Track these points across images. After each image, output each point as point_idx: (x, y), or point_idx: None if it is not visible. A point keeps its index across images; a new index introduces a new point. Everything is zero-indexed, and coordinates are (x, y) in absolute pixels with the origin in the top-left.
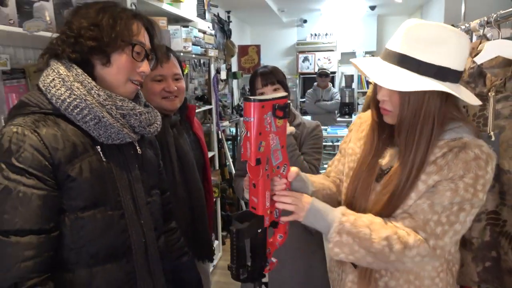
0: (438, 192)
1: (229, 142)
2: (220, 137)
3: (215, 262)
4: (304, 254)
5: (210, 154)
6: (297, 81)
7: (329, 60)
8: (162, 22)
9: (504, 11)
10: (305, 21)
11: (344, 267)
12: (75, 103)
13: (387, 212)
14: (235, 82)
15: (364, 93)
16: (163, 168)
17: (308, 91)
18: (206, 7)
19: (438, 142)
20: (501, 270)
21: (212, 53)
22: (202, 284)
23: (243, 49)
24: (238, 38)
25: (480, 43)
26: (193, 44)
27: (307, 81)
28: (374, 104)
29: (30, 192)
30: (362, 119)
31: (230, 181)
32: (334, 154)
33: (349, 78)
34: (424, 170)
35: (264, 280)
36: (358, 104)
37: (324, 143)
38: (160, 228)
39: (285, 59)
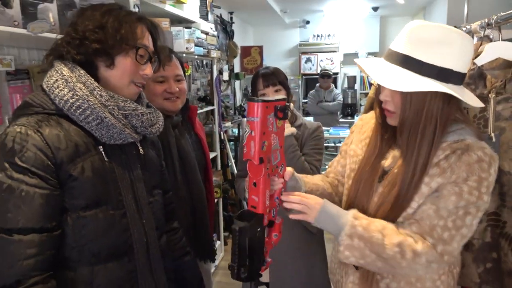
0: (443, 197)
1: (231, 142)
2: (222, 137)
3: (216, 263)
4: (305, 254)
5: (212, 155)
6: (300, 82)
7: (331, 61)
8: (164, 23)
9: (504, 13)
10: (307, 22)
11: (346, 268)
12: (78, 103)
13: (392, 215)
14: (237, 83)
15: (366, 94)
16: (165, 168)
17: (310, 92)
18: (208, 8)
19: (441, 144)
20: (502, 272)
21: (215, 54)
22: (204, 283)
23: (246, 50)
24: (240, 39)
25: (481, 45)
26: (196, 45)
27: (310, 82)
28: (378, 104)
29: (33, 191)
30: (364, 121)
31: (232, 181)
32: (336, 155)
33: (352, 79)
34: (427, 172)
35: (265, 280)
36: (360, 105)
37: (326, 144)
38: (161, 227)
39: (287, 60)
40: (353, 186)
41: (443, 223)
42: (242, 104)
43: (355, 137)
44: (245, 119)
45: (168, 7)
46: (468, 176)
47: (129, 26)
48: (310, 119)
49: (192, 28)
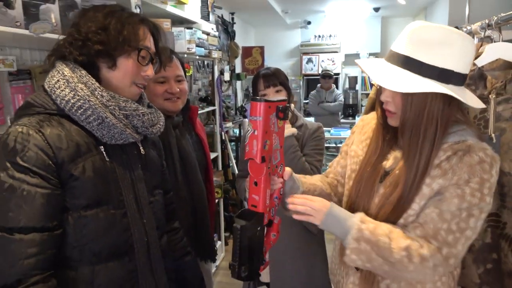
0: (446, 200)
1: (233, 143)
2: (223, 138)
3: (217, 263)
4: (305, 254)
5: (213, 155)
6: (301, 82)
7: (333, 61)
8: (166, 24)
9: (504, 14)
10: (309, 23)
11: (346, 269)
12: (79, 103)
13: (393, 216)
14: (238, 83)
15: (367, 95)
16: (166, 169)
17: (312, 92)
18: (210, 9)
19: (442, 145)
20: (502, 273)
21: (216, 54)
22: (205, 283)
23: (247, 51)
24: (242, 40)
25: (481, 46)
26: (197, 46)
27: (311, 82)
28: (379, 105)
29: (34, 190)
30: (365, 122)
31: (233, 182)
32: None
33: (353, 80)
34: (429, 173)
35: (266, 280)
36: (361, 105)
37: (327, 145)
38: (162, 227)
39: (289, 61)
40: (354, 186)
41: (447, 226)
42: (243, 104)
43: (356, 137)
44: (246, 119)
45: (170, 8)
46: (470, 178)
47: (132, 27)
48: (311, 119)
49: (194, 29)
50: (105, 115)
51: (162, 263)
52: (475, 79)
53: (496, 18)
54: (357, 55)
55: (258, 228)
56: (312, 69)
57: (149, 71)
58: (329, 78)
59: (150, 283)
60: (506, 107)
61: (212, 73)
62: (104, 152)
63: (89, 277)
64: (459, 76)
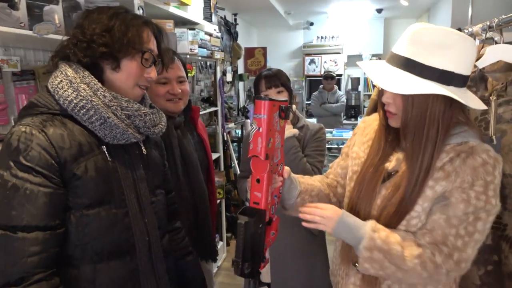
0: (451, 205)
1: (235, 143)
2: (225, 138)
3: (219, 263)
4: (305, 255)
5: (215, 156)
6: (304, 83)
7: (335, 62)
8: (169, 25)
9: (506, 16)
10: (311, 24)
11: (347, 270)
12: (82, 104)
13: (395, 218)
14: (241, 84)
15: (370, 96)
16: (168, 169)
17: (314, 93)
18: (212, 10)
19: (445, 146)
20: (502, 274)
21: (218, 55)
22: (206, 283)
23: (250, 52)
24: (244, 41)
25: (482, 47)
26: (200, 47)
27: (314, 83)
28: (381, 107)
29: (37, 189)
30: (366, 123)
31: (235, 182)
32: None
33: (355, 81)
34: (432, 175)
35: (267, 280)
36: (364, 106)
37: (329, 146)
38: (164, 227)
39: (291, 62)
40: (355, 188)
41: (455, 232)
42: (245, 105)
43: (357, 139)
44: (249, 120)
45: (172, 9)
46: (474, 181)
47: (136, 30)
48: (313, 120)
49: (196, 30)
50: (107, 115)
51: (164, 262)
52: (476, 80)
53: (497, 20)
54: (359, 56)
55: (260, 225)
56: (314, 70)
57: (152, 73)
58: (331, 79)
59: (152, 282)
60: (506, 109)
61: (215, 74)
62: (106, 152)
63: (90, 275)
64: (460, 78)
